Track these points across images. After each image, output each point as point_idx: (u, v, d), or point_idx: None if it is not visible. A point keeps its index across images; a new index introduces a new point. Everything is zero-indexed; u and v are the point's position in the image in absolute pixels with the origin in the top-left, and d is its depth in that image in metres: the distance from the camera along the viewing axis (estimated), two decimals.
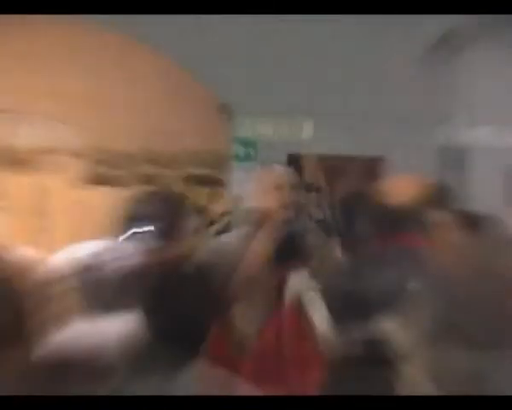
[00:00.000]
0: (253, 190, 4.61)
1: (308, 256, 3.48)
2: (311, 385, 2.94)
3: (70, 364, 2.40)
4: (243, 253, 4.14)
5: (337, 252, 3.41)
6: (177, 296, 2.82)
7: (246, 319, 3.72)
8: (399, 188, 3.87)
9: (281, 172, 4.58)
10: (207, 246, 4.56)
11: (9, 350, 2.17)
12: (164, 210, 3.84)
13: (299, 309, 3.12)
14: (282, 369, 3.14)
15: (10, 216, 8.72)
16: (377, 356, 1.87)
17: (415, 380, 0.95)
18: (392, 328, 1.10)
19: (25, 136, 9.20)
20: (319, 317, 3.03)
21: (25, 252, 3.27)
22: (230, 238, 4.43)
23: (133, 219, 3.77)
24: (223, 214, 7.94)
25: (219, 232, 7.64)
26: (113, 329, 2.63)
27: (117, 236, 3.69)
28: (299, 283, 3.11)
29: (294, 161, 7.28)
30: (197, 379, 2.66)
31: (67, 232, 8.13)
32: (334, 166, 5.87)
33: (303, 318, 3.09)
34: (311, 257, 3.47)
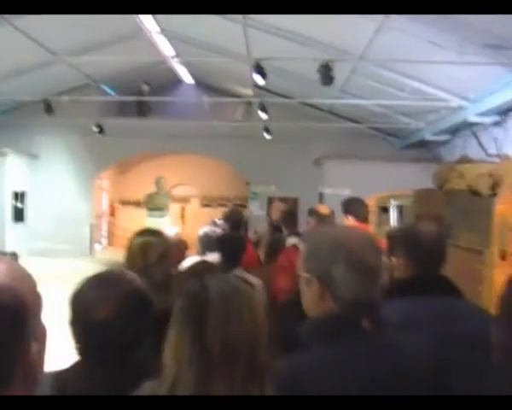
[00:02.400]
0: (271, 209, 4.36)
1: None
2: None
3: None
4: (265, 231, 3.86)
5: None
6: (233, 245, 2.50)
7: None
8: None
9: (279, 204, 4.28)
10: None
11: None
12: (232, 215, 3.66)
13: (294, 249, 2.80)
14: (287, 269, 2.71)
15: (170, 218, 8.48)
16: None
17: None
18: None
19: (177, 191, 9.13)
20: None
21: (174, 230, 3.38)
22: (261, 226, 4.08)
23: (220, 218, 3.74)
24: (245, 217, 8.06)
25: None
26: (211, 258, 2.54)
27: (215, 224, 3.52)
28: (294, 240, 2.87)
29: (270, 200, 7.13)
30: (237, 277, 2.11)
31: (193, 224, 8.02)
32: (282, 201, 5.66)
33: (296, 251, 2.77)
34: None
